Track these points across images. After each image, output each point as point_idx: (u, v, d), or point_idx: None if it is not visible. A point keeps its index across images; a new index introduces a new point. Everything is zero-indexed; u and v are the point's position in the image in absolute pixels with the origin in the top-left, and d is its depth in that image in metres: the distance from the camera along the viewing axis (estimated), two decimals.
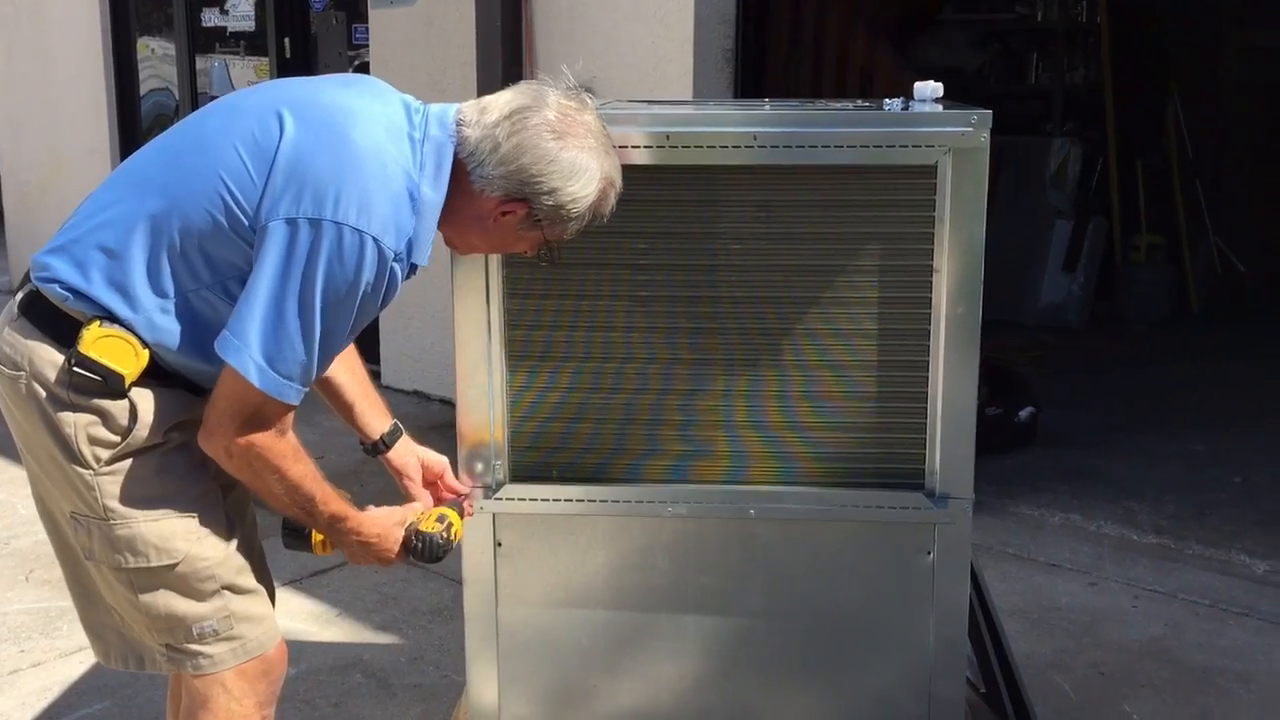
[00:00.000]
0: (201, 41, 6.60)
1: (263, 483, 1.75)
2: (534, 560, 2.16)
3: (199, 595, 1.78)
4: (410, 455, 2.14)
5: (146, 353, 1.71)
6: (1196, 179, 7.23)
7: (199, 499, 1.79)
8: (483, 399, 2.13)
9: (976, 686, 2.82)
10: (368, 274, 1.65)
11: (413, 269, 1.76)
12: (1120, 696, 2.90)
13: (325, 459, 4.62)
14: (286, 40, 6.01)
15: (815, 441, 2.09)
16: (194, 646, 1.80)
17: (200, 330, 1.71)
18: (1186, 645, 3.15)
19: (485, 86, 4.89)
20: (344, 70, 6.11)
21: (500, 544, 2.17)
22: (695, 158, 2.01)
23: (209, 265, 1.70)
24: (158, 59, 7.01)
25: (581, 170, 1.73)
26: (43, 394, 1.71)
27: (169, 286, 1.70)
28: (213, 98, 6.91)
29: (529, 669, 2.20)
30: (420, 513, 1.97)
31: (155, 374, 1.73)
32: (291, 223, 1.63)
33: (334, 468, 4.50)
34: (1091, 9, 7.41)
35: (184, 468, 1.78)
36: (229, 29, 6.46)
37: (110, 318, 1.69)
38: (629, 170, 1.99)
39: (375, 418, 2.13)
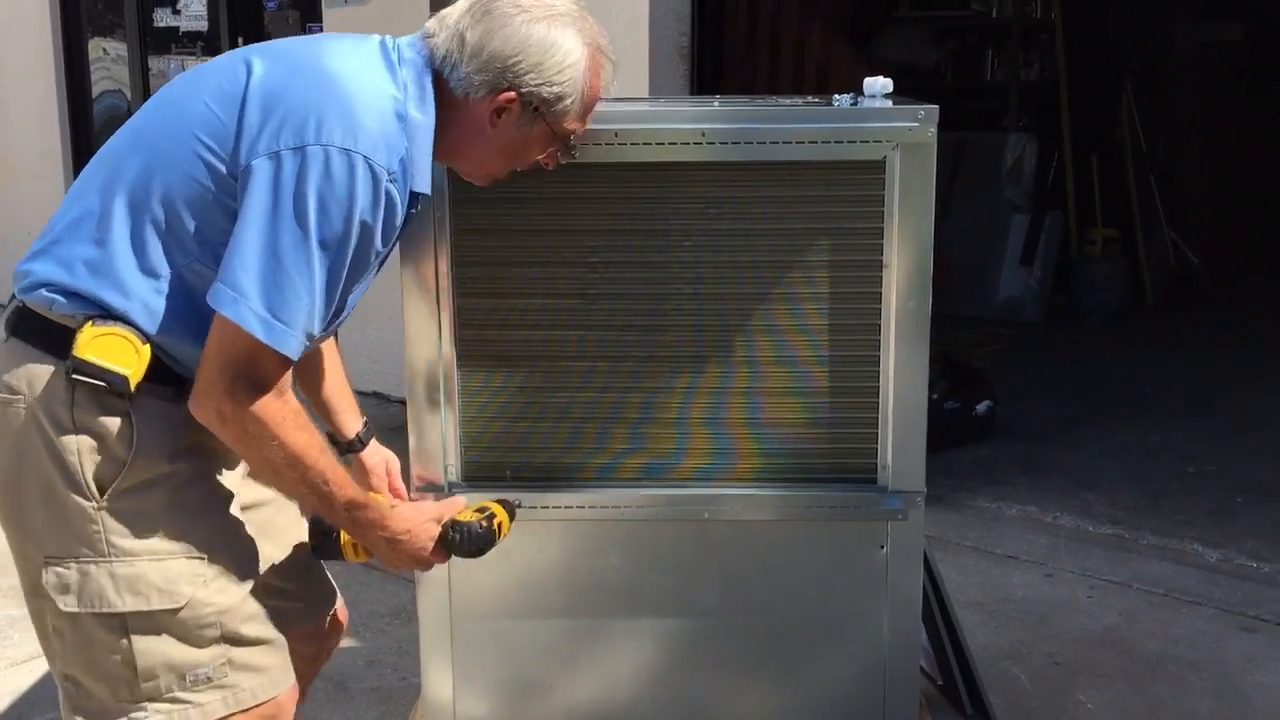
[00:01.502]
0: (156, 42, 6.53)
1: (263, 454, 1.59)
2: (488, 561, 2.13)
3: (198, 641, 1.63)
4: (380, 455, 2.09)
5: (147, 348, 1.57)
6: (1150, 173, 7.31)
7: (211, 539, 1.65)
8: (434, 400, 2.12)
9: (934, 679, 2.85)
10: (362, 197, 1.53)
11: (414, 200, 1.66)
12: (1075, 686, 2.93)
13: None
14: (240, 40, 5.94)
15: (767, 438, 2.09)
16: (185, 695, 1.64)
17: (198, 309, 1.57)
18: (1140, 634, 3.19)
19: None
20: None
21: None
22: (644, 155, 2.00)
23: (197, 235, 1.57)
24: (111, 60, 6.93)
25: (556, 42, 1.63)
26: (44, 417, 1.57)
27: (159, 266, 1.58)
28: None
29: (484, 670, 2.18)
30: (460, 509, 1.84)
31: (160, 377, 1.60)
32: (274, 156, 1.52)
33: None
34: (1045, 6, 7.47)
35: (197, 504, 1.66)
36: (181, 29, 6.40)
37: (104, 315, 1.57)
38: (577, 169, 2.00)
39: (352, 416, 2.06)
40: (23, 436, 1.59)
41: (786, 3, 5.71)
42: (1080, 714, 2.81)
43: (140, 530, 1.60)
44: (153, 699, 1.63)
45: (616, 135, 2.01)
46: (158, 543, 1.60)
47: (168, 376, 1.62)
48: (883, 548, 2.10)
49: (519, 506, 1.92)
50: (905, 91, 2.21)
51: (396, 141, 1.57)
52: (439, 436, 2.13)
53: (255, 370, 1.54)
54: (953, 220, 7.12)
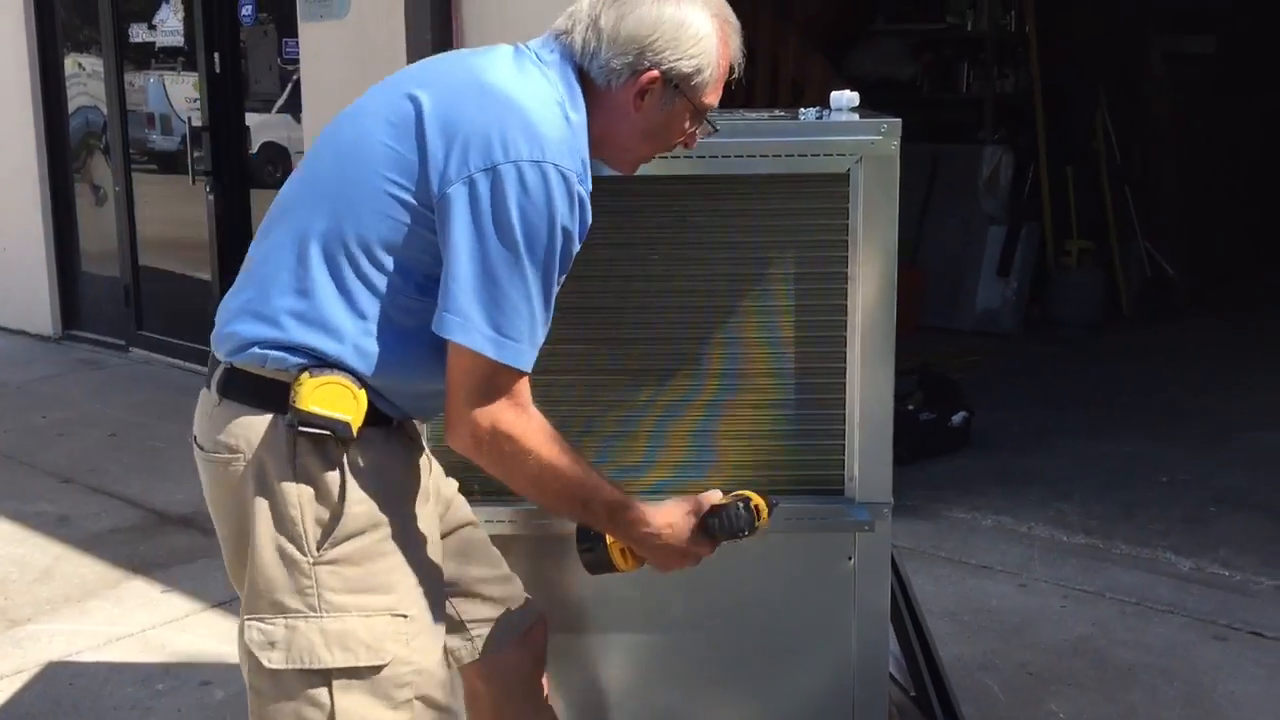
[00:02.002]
0: (136, 58, 6.52)
1: (522, 471, 1.61)
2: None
3: (393, 702, 1.62)
4: None
5: (363, 393, 1.58)
6: (1125, 184, 7.36)
7: (414, 595, 1.65)
8: None
9: (906, 689, 2.85)
10: (560, 204, 1.56)
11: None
12: (1047, 696, 2.94)
13: None
14: (216, 55, 5.94)
15: (734, 449, 2.09)
16: None
17: (408, 342, 1.60)
18: (1113, 643, 3.20)
19: None
20: (275, 84, 6.06)
21: None
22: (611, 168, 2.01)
23: (399, 270, 1.59)
24: (87, 76, 6.91)
25: (687, 17, 1.65)
26: (265, 470, 1.58)
27: (366, 306, 1.59)
28: (148, 115, 6.91)
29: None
30: (716, 500, 1.80)
31: (371, 419, 1.60)
32: (467, 181, 1.54)
33: None
34: (1019, 19, 7.52)
35: (401, 557, 1.64)
36: (157, 44, 6.38)
37: (317, 364, 1.57)
38: None
39: None
40: (244, 492, 1.60)
41: (762, 16, 5.74)
42: None
43: (351, 586, 1.60)
44: None
45: None
46: (367, 599, 1.60)
47: (378, 418, 1.63)
48: (850, 559, 2.11)
49: (776, 506, 1.84)
50: (881, 104, 2.22)
51: (575, 143, 1.61)
52: None
53: (496, 389, 1.57)
54: (929, 232, 7.16)
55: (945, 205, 7.09)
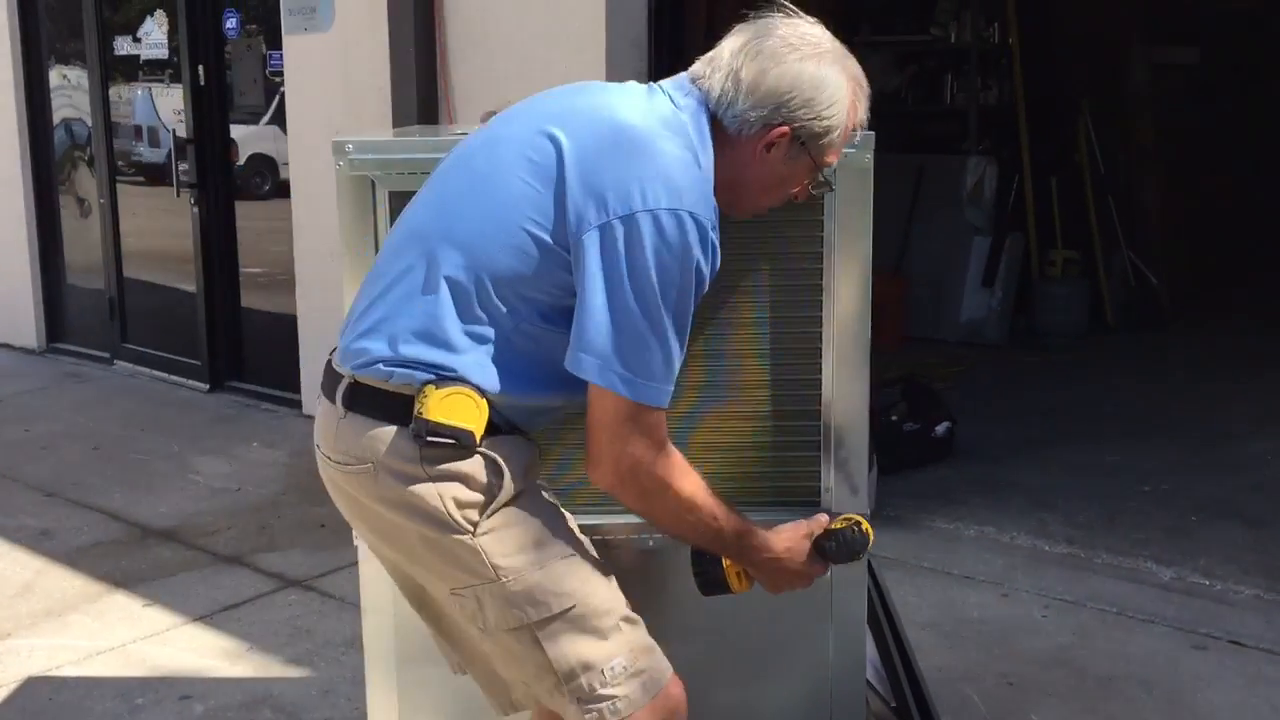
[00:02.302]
0: (124, 70, 6.52)
1: (660, 506, 1.70)
2: None
3: (602, 633, 1.70)
4: None
5: (485, 402, 1.65)
6: (1109, 194, 7.40)
7: (570, 536, 1.75)
8: None
9: (887, 700, 2.85)
10: (695, 250, 1.61)
11: None
12: (1028, 706, 2.95)
13: (242, 490, 4.58)
14: (200, 67, 5.94)
15: (710, 462, 2.09)
16: (608, 690, 1.70)
17: (527, 365, 1.67)
18: (1094, 653, 3.21)
19: (400, 112, 4.89)
20: (260, 96, 6.07)
21: None
22: None
23: (524, 300, 1.65)
24: (72, 88, 6.91)
25: (826, 77, 1.70)
26: (397, 478, 1.66)
27: (488, 332, 1.65)
28: (135, 127, 6.91)
29: (430, 699, 2.17)
30: (825, 523, 1.89)
31: (489, 431, 1.67)
32: (606, 227, 1.60)
33: (252, 500, 4.47)
34: (1003, 30, 7.56)
35: (548, 509, 1.75)
36: (142, 56, 6.38)
37: (440, 378, 1.64)
38: None
39: None
40: (386, 497, 1.67)
41: None
42: None
43: (517, 546, 1.68)
44: (581, 699, 1.70)
45: None
46: (536, 553, 1.69)
47: (492, 429, 1.68)
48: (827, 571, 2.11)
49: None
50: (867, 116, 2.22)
51: (707, 189, 1.66)
52: None
53: (637, 428, 1.63)
54: (914, 243, 7.18)
55: (930, 216, 7.12)
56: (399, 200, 2.08)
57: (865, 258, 2.07)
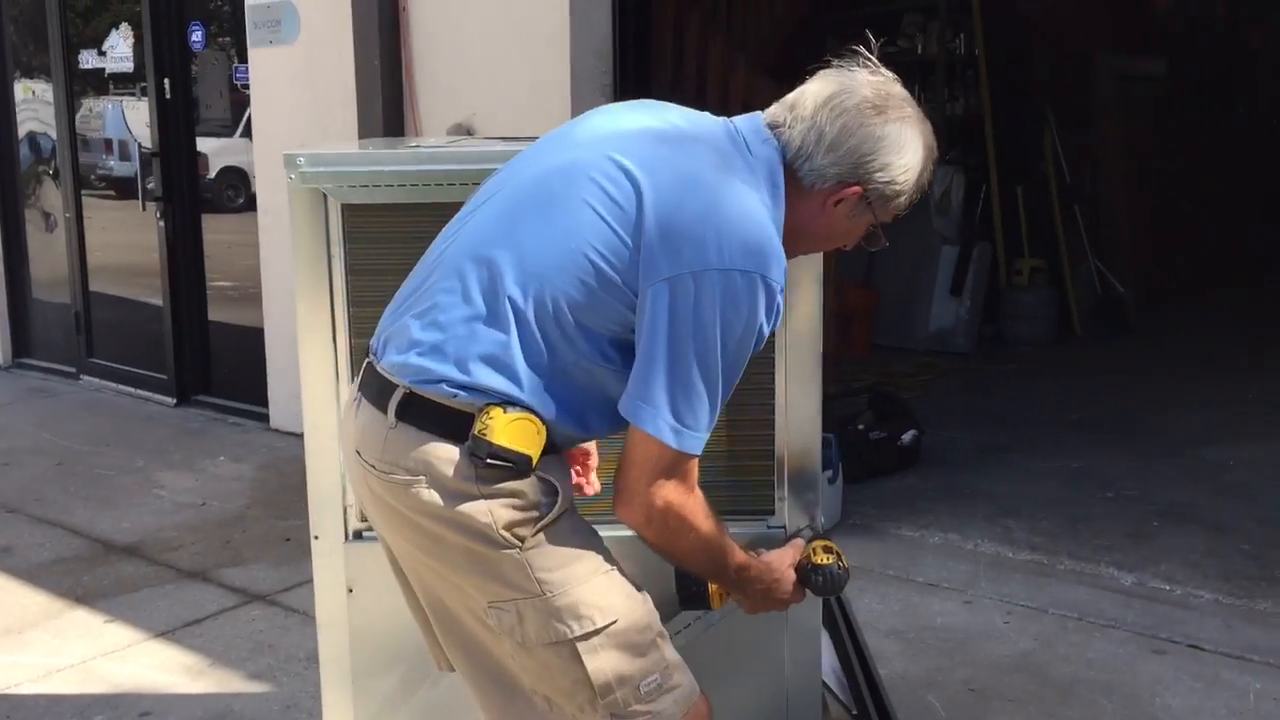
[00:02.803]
0: (94, 84, 6.49)
1: (680, 544, 1.72)
2: (387, 601, 2.13)
3: (640, 649, 1.70)
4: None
5: (545, 428, 1.65)
6: (1075, 203, 7.47)
7: (608, 553, 1.74)
8: (332, 440, 2.11)
9: (849, 708, 2.86)
10: (761, 315, 1.62)
11: None
12: (989, 712, 2.96)
13: (207, 505, 4.55)
14: (166, 80, 5.92)
15: None
16: (643, 706, 1.70)
17: (579, 400, 1.68)
18: (1054, 659, 3.23)
19: (366, 125, 4.89)
20: (226, 110, 6.05)
21: (352, 589, 2.15)
22: None
23: (584, 334, 1.65)
24: (39, 102, 6.87)
25: (907, 142, 1.70)
26: (447, 494, 1.64)
27: (548, 362, 1.65)
28: (106, 141, 6.87)
29: (386, 711, 2.17)
30: (802, 549, 1.93)
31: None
32: (677, 280, 1.59)
33: (217, 514, 4.44)
34: (969, 42, 7.63)
35: (586, 526, 1.75)
36: (107, 70, 6.36)
37: (505, 401, 1.63)
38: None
39: None
40: (433, 512, 1.65)
41: (712, 40, 5.79)
42: None
43: (562, 562, 1.67)
44: (615, 714, 1.69)
45: None
46: (579, 567, 1.68)
47: (544, 450, 1.68)
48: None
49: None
50: None
51: (781, 251, 1.65)
52: (337, 476, 2.14)
53: (674, 473, 1.65)
54: (882, 252, 7.19)
55: (898, 225, 6.89)
56: (352, 213, 2.09)
57: (817, 270, 2.09)
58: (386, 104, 4.83)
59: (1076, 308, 7.39)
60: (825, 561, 1.91)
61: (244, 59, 5.54)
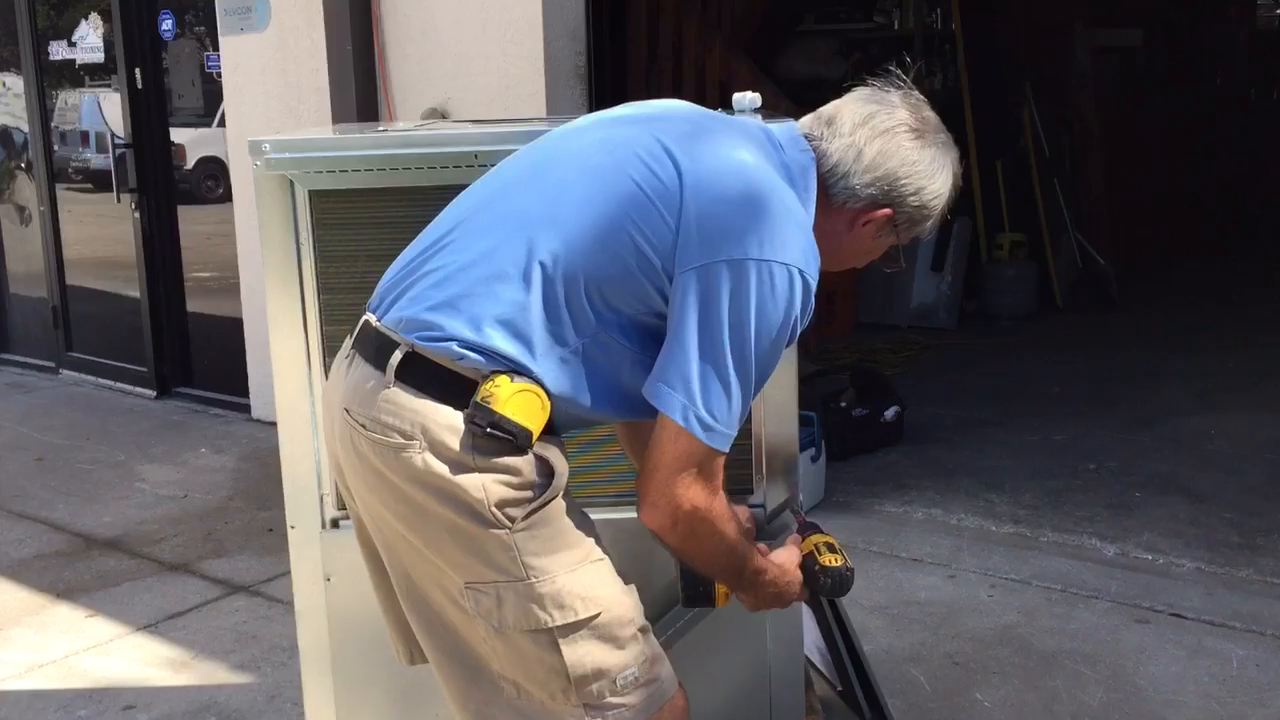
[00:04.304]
0: (69, 75, 6.42)
1: (705, 548, 1.68)
2: (365, 588, 2.12)
3: (620, 643, 1.65)
4: None
5: (550, 404, 1.60)
6: (1054, 177, 7.47)
7: (598, 542, 1.69)
8: (306, 428, 2.11)
9: (833, 685, 2.87)
10: (796, 308, 1.60)
11: None
12: (973, 685, 2.97)
13: (189, 497, 4.53)
14: (137, 70, 5.86)
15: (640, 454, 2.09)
16: (617, 699, 1.65)
17: (593, 377, 1.63)
18: (1038, 631, 3.24)
19: (340, 111, 4.85)
20: (200, 99, 6.00)
21: (330, 578, 2.14)
22: None
23: (610, 309, 1.60)
24: (13, 95, 6.80)
25: (940, 167, 1.71)
26: (441, 462, 1.57)
27: (568, 333, 1.60)
28: (83, 133, 6.80)
29: (366, 699, 2.16)
30: (803, 548, 1.91)
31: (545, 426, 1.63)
32: (715, 267, 1.56)
33: (199, 506, 4.42)
34: (946, 17, 7.61)
35: (579, 512, 1.69)
36: (78, 61, 6.29)
37: (513, 370, 1.58)
38: (439, 191, 2.00)
39: None
40: (423, 479, 1.59)
41: (687, 20, 5.76)
42: (977, 712, 2.85)
43: (551, 547, 1.62)
44: (589, 705, 1.65)
45: (477, 157, 2.02)
46: (568, 554, 1.63)
47: (545, 429, 1.63)
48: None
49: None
50: (813, 104, 2.22)
51: (814, 250, 1.63)
52: (312, 465, 2.12)
53: (702, 471, 1.61)
54: None
55: None
56: (319, 199, 2.07)
57: None
58: (360, 90, 4.79)
59: (1058, 281, 7.40)
60: (833, 563, 1.89)
61: (216, 47, 5.49)
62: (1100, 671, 3.01)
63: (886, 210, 1.71)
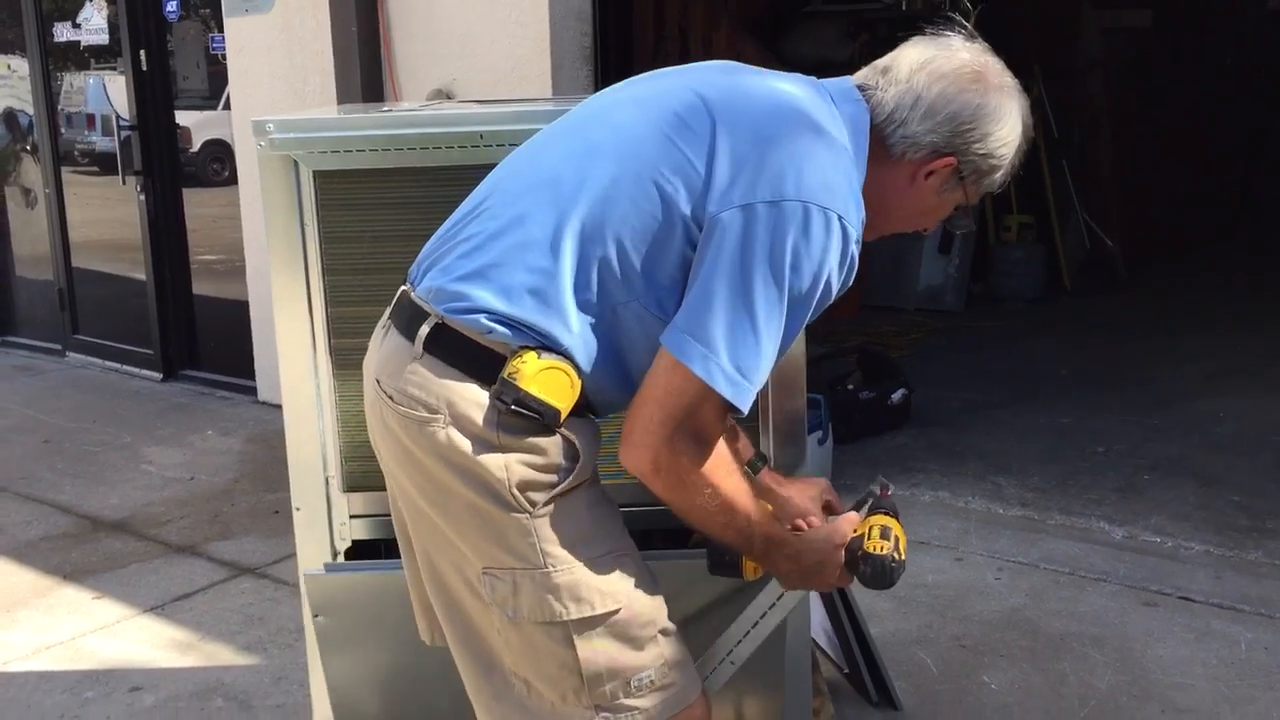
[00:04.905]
0: (75, 58, 6.40)
1: (693, 501, 1.55)
2: (369, 582, 2.12)
3: (638, 643, 1.58)
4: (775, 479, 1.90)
5: (580, 382, 1.53)
6: (1063, 159, 7.43)
7: (624, 536, 1.61)
8: (311, 410, 2.10)
9: (841, 667, 2.87)
10: (834, 257, 1.48)
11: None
12: (980, 667, 2.96)
13: (195, 479, 4.53)
14: (142, 52, 5.84)
15: None
16: (630, 701, 1.58)
17: (626, 351, 1.55)
18: (1046, 613, 3.23)
19: (345, 93, 4.83)
20: (205, 81, 5.98)
21: (339, 555, 2.13)
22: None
23: (643, 274, 1.51)
24: (18, 77, 6.78)
25: (1007, 114, 1.59)
26: (465, 438, 1.52)
27: (599, 303, 1.52)
28: (88, 116, 6.78)
29: (373, 681, 2.16)
30: (857, 527, 1.72)
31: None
32: (748, 209, 1.46)
33: (206, 488, 4.42)
34: None
35: (606, 503, 1.61)
36: (83, 43, 6.27)
37: (542, 346, 1.52)
38: (443, 171, 1.99)
39: (744, 441, 1.90)
40: (446, 455, 1.53)
41: (694, 1, 5.73)
42: (984, 695, 2.85)
43: (572, 536, 1.55)
44: (600, 706, 1.58)
45: (483, 137, 2.00)
46: (589, 547, 1.56)
47: (574, 410, 1.56)
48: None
49: (891, 490, 1.82)
50: None
51: (861, 202, 1.53)
52: (318, 447, 2.12)
53: (699, 421, 1.50)
54: None
55: None
56: (324, 180, 2.05)
57: None
58: (365, 72, 4.77)
59: (1065, 263, 7.37)
60: (879, 550, 1.68)
61: (221, 28, 5.47)
62: (1108, 654, 3.00)
63: (949, 159, 1.58)
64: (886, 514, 1.74)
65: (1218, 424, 4.76)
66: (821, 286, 1.50)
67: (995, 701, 2.82)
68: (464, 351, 1.54)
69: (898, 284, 7.10)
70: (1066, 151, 7.45)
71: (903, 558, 1.69)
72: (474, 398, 1.52)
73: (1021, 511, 3.95)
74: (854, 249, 1.51)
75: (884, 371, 4.90)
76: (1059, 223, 7.36)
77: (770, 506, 1.77)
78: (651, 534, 2.08)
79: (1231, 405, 4.96)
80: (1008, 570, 3.52)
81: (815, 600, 2.61)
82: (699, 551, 2.00)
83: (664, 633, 1.61)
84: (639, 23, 5.59)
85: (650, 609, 1.60)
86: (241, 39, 5.30)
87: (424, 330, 1.56)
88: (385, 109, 2.42)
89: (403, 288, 1.65)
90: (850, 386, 4.75)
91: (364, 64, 4.77)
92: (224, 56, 5.49)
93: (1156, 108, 8.08)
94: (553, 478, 1.54)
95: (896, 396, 4.80)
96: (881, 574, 1.67)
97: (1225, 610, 3.21)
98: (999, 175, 1.63)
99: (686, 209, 1.50)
